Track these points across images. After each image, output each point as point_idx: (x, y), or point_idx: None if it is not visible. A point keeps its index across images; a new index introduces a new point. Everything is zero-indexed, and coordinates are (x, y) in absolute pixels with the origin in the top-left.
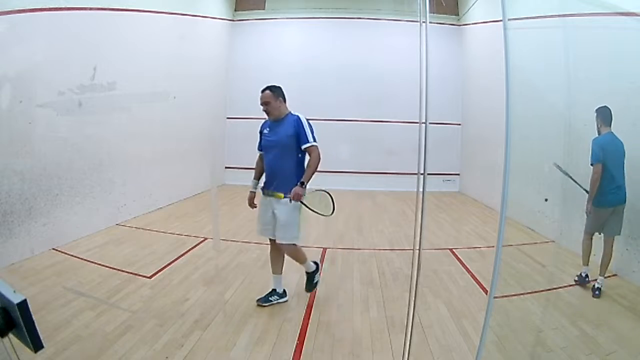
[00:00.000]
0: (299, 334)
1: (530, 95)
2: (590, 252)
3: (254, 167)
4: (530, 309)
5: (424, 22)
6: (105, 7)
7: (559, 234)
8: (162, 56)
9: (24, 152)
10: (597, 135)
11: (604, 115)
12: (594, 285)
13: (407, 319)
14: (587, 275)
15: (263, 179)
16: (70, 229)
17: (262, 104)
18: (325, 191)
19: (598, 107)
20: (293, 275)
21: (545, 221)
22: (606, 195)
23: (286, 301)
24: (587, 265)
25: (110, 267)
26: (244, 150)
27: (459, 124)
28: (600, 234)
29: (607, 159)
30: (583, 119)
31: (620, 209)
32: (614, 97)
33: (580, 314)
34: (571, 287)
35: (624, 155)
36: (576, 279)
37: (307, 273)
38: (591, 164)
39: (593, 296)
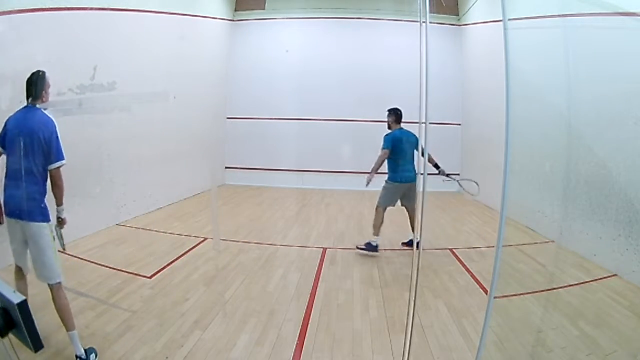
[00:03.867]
0: (299, 334)
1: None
2: (381, 223)
3: (254, 167)
4: (530, 309)
5: (424, 22)
6: (105, 7)
7: (559, 234)
8: (162, 56)
9: None
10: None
11: (396, 115)
12: (410, 241)
13: (407, 319)
14: (377, 245)
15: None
16: (70, 229)
17: None
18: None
19: (389, 108)
20: (293, 274)
21: (545, 221)
22: (401, 173)
23: None
24: (378, 235)
25: (110, 267)
26: (244, 150)
27: (459, 124)
28: (393, 206)
29: (399, 147)
30: (583, 119)
31: (413, 186)
32: (614, 97)
33: (580, 314)
34: (571, 287)
35: (415, 145)
36: (362, 246)
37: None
38: (382, 149)
39: (405, 243)
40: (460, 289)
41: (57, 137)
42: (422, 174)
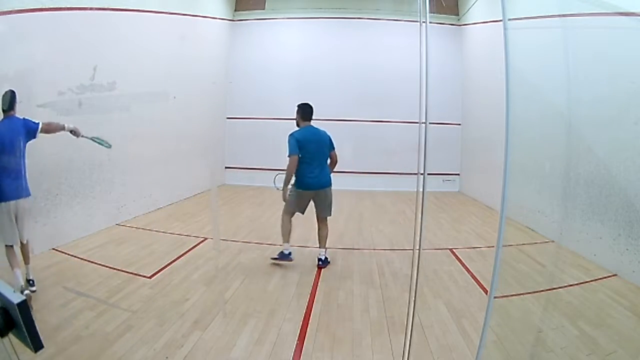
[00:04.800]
0: (299, 334)
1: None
2: (290, 230)
3: (254, 167)
4: (530, 309)
5: (424, 22)
6: (105, 7)
7: (559, 234)
8: (162, 56)
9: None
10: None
11: (304, 111)
12: (319, 257)
13: (407, 319)
14: (290, 253)
15: None
16: (70, 229)
17: None
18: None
19: (299, 103)
20: (293, 274)
21: (545, 221)
22: (304, 179)
23: None
24: (288, 242)
25: (110, 267)
26: (244, 150)
27: (459, 124)
28: (302, 214)
29: (305, 149)
30: (583, 119)
31: (322, 192)
32: (614, 96)
33: (580, 314)
34: (571, 287)
35: (326, 144)
36: (277, 256)
37: None
38: (288, 156)
39: (318, 266)
40: (460, 289)
41: None
42: (422, 174)
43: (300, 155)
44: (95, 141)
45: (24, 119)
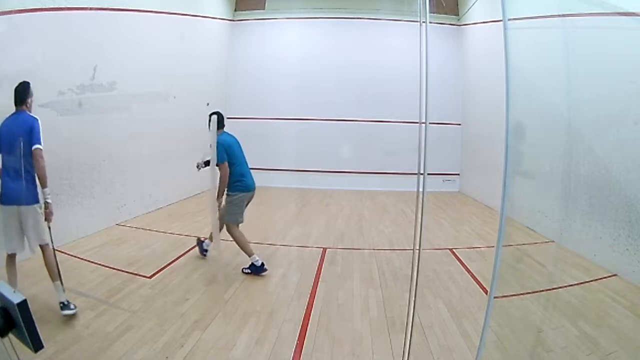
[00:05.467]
0: (299, 334)
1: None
2: (246, 241)
3: (254, 167)
4: (530, 309)
5: (424, 22)
6: (106, 7)
7: (559, 234)
8: (162, 56)
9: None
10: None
11: (220, 120)
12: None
13: (407, 319)
14: (262, 264)
15: None
16: (70, 229)
17: None
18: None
19: (212, 111)
20: (293, 274)
21: (545, 221)
22: (248, 180)
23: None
24: (253, 253)
25: (110, 267)
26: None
27: (459, 124)
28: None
29: (234, 153)
30: (583, 119)
31: (251, 195)
32: (614, 97)
33: (580, 314)
34: (571, 287)
35: (240, 148)
36: (249, 269)
37: None
38: (217, 165)
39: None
40: (460, 289)
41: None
42: (422, 174)
43: (232, 159)
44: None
45: (33, 120)
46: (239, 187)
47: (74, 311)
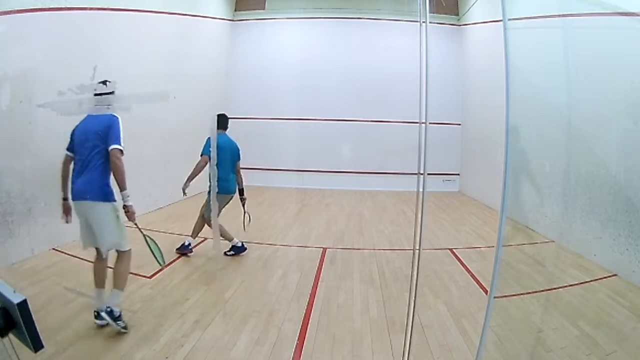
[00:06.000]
0: (299, 334)
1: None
2: (201, 230)
3: (254, 167)
4: (530, 309)
5: (424, 22)
6: (105, 7)
7: (559, 234)
8: (162, 56)
9: (24, 152)
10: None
11: (220, 121)
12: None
13: (407, 319)
14: (243, 244)
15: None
16: (70, 229)
17: None
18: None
19: (217, 113)
20: (293, 274)
21: (545, 221)
22: (225, 182)
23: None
24: (232, 238)
25: (110, 267)
26: (243, 150)
27: (459, 124)
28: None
29: (218, 155)
30: (583, 119)
31: (230, 197)
32: (614, 96)
33: (580, 314)
34: (571, 287)
35: (233, 153)
36: (232, 252)
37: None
38: (200, 155)
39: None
40: (460, 289)
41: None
42: (422, 174)
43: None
44: (149, 246)
45: (112, 118)
46: (220, 188)
47: (105, 322)
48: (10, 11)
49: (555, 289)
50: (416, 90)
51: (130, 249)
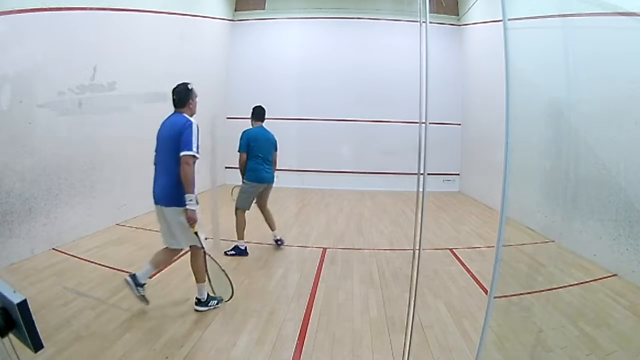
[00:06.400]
0: (299, 334)
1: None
2: (244, 227)
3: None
4: (530, 309)
5: (424, 22)
6: (105, 7)
7: (559, 234)
8: (162, 56)
9: (24, 152)
10: None
11: (256, 113)
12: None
13: (407, 319)
14: (246, 248)
15: None
16: (70, 229)
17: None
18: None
19: (254, 105)
20: (293, 274)
21: (545, 221)
22: (258, 173)
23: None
24: (243, 239)
25: (110, 267)
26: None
27: (459, 124)
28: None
29: (254, 147)
30: (583, 119)
31: (271, 186)
32: (614, 96)
33: (580, 314)
34: (571, 287)
35: (273, 144)
36: (232, 252)
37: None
38: (238, 152)
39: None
40: (460, 289)
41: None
42: (422, 174)
43: (251, 152)
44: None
45: (186, 125)
46: (250, 177)
47: (206, 308)
48: (10, 11)
49: (555, 289)
50: (416, 90)
51: (203, 247)
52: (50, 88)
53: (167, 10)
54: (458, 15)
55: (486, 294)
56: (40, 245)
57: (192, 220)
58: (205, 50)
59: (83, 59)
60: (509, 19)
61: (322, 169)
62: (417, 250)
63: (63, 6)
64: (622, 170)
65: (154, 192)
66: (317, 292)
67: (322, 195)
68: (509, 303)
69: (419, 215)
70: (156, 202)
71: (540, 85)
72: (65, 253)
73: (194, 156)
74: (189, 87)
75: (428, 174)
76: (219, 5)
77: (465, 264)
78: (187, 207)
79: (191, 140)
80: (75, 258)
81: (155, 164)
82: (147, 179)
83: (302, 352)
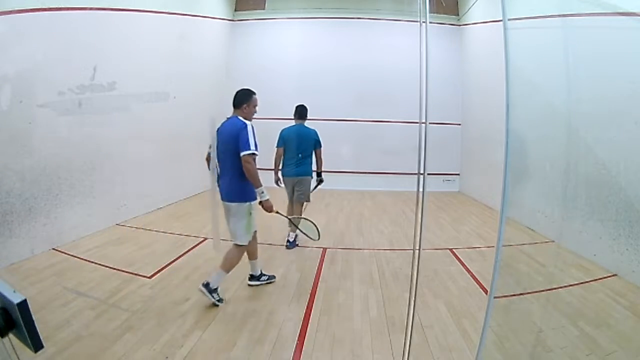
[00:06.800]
0: (299, 334)
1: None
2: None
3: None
4: (530, 309)
5: (424, 22)
6: (105, 7)
7: (559, 234)
8: (162, 56)
9: (24, 152)
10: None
11: (298, 111)
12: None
13: (407, 319)
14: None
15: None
16: (70, 229)
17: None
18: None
19: (296, 104)
20: (293, 274)
21: (545, 221)
22: (288, 167)
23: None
24: (295, 232)
25: (110, 267)
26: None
27: (459, 124)
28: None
29: (288, 142)
30: (583, 119)
31: (302, 180)
32: (614, 96)
33: (580, 314)
34: (571, 287)
35: (312, 139)
36: (287, 244)
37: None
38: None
39: (286, 247)
40: (460, 289)
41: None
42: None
43: (285, 147)
44: (298, 228)
45: (241, 127)
46: (283, 172)
47: (258, 283)
48: (10, 11)
49: (555, 289)
50: (416, 90)
51: (244, 246)
52: (50, 88)
53: (167, 10)
54: (458, 15)
55: (486, 294)
56: (40, 245)
57: (269, 209)
58: (205, 50)
59: (83, 59)
60: (509, 19)
61: (323, 168)
62: (417, 250)
63: (63, 6)
64: (622, 170)
65: (219, 189)
66: (317, 292)
67: (322, 195)
68: (509, 303)
69: (419, 215)
70: (222, 198)
71: (540, 85)
72: (65, 253)
73: (253, 154)
74: (249, 92)
75: (428, 174)
76: (219, 5)
77: (465, 264)
78: (261, 199)
79: (248, 140)
80: (75, 258)
81: (218, 161)
82: (146, 179)
83: (302, 352)
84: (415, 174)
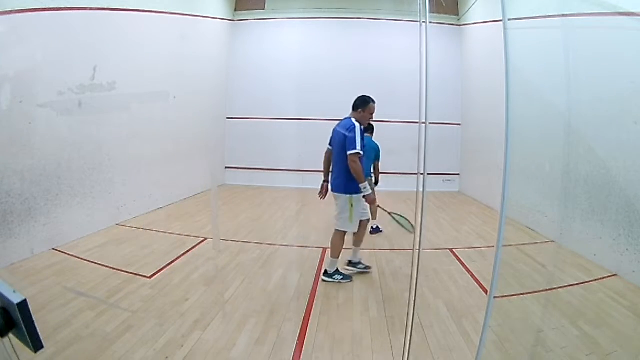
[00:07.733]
0: (299, 334)
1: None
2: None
3: (254, 167)
4: (530, 309)
5: (424, 22)
6: (105, 7)
7: (559, 234)
8: (162, 56)
9: (24, 152)
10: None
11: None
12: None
13: (407, 319)
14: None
15: None
16: (70, 229)
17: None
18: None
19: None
20: (293, 274)
21: (545, 221)
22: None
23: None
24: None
25: (110, 267)
26: (244, 150)
27: (459, 124)
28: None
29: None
30: (583, 119)
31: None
32: (614, 96)
33: (580, 314)
34: (571, 287)
35: (371, 154)
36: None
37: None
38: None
39: (370, 233)
40: (460, 289)
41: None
42: (422, 174)
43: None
44: (396, 220)
45: (350, 128)
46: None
47: (330, 280)
48: (10, 11)
49: (555, 289)
50: (416, 90)
51: (346, 232)
52: (50, 88)
53: (167, 10)
54: (458, 15)
55: (486, 294)
56: (40, 245)
57: (372, 202)
58: (205, 50)
59: (83, 59)
60: (509, 19)
61: (321, 168)
62: (417, 250)
63: (63, 6)
64: (622, 170)
65: (331, 181)
66: (317, 292)
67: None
68: (509, 303)
69: (419, 215)
70: (332, 189)
71: (540, 85)
72: (65, 253)
73: (357, 153)
74: (368, 99)
75: (428, 174)
76: (219, 5)
77: (465, 264)
78: (363, 193)
79: (355, 140)
80: (75, 258)
81: (332, 155)
82: (146, 179)
83: (302, 352)
84: (415, 174)
